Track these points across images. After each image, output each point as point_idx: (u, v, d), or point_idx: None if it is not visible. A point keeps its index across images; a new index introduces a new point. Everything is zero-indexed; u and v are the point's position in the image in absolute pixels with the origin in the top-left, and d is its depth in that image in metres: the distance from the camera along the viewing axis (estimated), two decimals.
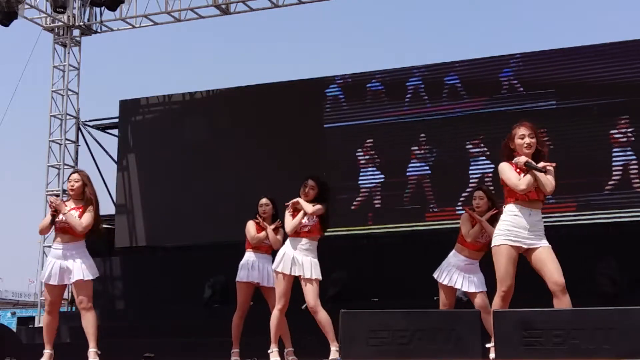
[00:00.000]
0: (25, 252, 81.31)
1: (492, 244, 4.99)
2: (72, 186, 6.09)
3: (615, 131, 10.51)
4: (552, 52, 11.16)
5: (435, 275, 6.38)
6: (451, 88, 11.51)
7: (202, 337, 9.60)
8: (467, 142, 11.20)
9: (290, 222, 6.21)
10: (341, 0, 16.74)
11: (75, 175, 6.13)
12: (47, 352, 6.10)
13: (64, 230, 6.01)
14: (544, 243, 4.93)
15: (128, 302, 12.77)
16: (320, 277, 6.15)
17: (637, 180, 10.34)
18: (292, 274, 6.14)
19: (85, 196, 6.04)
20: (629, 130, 10.47)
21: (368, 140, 11.75)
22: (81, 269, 5.98)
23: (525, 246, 4.92)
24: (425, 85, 11.66)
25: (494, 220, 6.18)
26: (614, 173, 10.43)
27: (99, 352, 5.97)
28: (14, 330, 13.45)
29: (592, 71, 10.76)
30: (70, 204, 6.08)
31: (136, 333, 10.57)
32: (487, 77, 11.33)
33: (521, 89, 11.13)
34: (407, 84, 11.76)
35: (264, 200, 7.00)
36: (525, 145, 4.95)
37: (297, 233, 6.20)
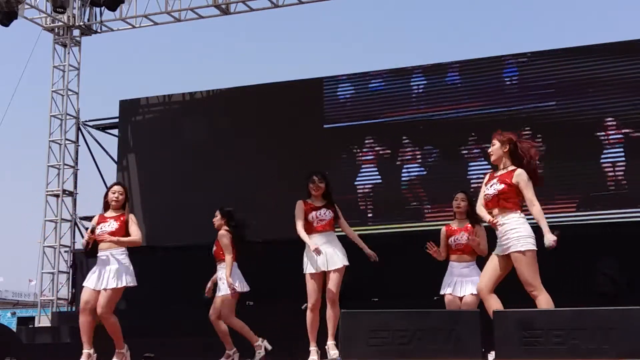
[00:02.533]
0: (25, 252, 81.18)
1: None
2: (117, 198, 6.52)
3: (614, 130, 10.51)
4: (553, 52, 11.15)
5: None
6: (451, 88, 11.50)
7: (202, 337, 9.58)
8: (467, 143, 11.19)
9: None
10: (341, 0, 16.76)
11: (119, 188, 6.63)
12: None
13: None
14: None
15: (128, 302, 12.73)
16: (340, 266, 6.45)
17: (638, 180, 10.34)
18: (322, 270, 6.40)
19: (125, 208, 6.57)
20: (627, 130, 10.47)
21: (367, 141, 11.74)
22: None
23: None
24: (425, 85, 11.65)
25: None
26: (613, 173, 10.43)
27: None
28: (14, 330, 13.44)
29: (592, 71, 10.75)
30: (110, 213, 6.53)
31: (136, 333, 10.54)
32: (487, 78, 11.32)
33: (521, 89, 11.12)
34: (407, 84, 11.75)
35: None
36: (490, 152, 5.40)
37: (314, 229, 6.41)
